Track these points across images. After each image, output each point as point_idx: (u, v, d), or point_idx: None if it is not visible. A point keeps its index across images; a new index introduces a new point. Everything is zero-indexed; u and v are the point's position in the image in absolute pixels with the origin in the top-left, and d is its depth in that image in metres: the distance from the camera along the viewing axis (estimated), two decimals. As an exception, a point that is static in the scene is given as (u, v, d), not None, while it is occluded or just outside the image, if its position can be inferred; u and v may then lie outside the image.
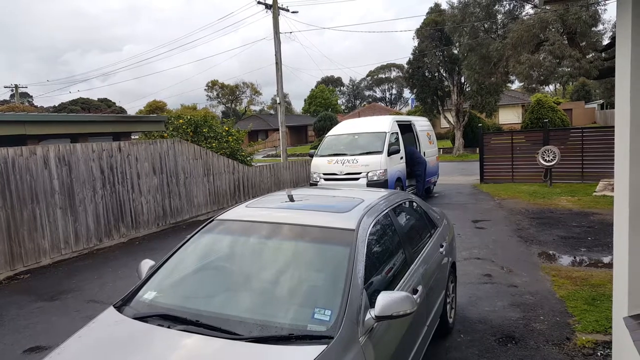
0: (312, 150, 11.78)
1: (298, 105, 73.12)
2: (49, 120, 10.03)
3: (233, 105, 64.47)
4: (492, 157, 14.51)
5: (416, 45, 26.69)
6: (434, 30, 24.93)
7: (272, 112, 63.36)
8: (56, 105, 49.44)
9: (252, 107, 65.82)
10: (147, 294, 2.65)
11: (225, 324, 2.24)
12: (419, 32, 26.04)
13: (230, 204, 11.69)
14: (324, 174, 10.54)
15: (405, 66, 29.53)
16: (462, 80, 26.09)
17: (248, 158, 15.14)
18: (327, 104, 60.17)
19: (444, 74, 26.79)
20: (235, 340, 2.14)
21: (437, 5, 26.09)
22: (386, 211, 3.26)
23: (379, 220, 3.05)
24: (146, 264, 2.98)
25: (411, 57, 27.21)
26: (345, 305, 2.26)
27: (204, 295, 2.69)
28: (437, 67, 26.18)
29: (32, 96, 52.31)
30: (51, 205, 7.32)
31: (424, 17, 26.34)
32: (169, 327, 2.28)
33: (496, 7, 18.14)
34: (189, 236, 3.14)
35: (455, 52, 24.90)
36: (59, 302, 5.53)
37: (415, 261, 3.28)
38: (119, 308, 2.56)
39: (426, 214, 4.17)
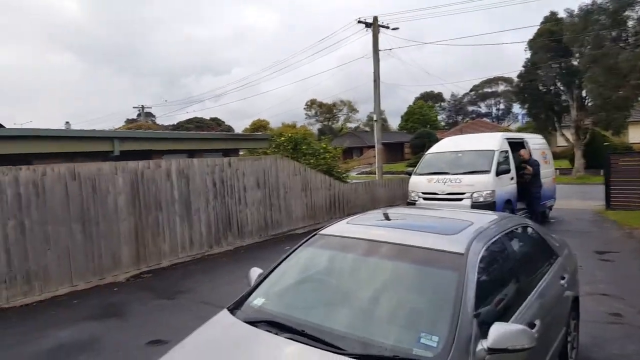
0: (410, 168, 11.51)
1: (394, 122, 72.45)
2: (170, 137, 11.29)
3: (330, 123, 66.18)
4: (621, 181, 12.73)
5: (528, 57, 24.94)
6: (550, 41, 23.06)
7: (367, 129, 63.62)
8: (174, 123, 55.40)
9: (348, 125, 66.87)
10: (256, 300, 2.80)
11: (329, 337, 2.27)
12: (532, 43, 24.34)
13: (326, 219, 11.90)
14: (423, 193, 10.21)
15: (515, 79, 27.69)
16: (583, 94, 23.66)
17: (343, 175, 15.37)
18: (426, 120, 58.69)
19: (561, 88, 24.57)
20: (338, 354, 2.14)
21: (553, 14, 24.20)
22: (498, 236, 3.03)
23: (490, 246, 2.85)
24: (255, 272, 3.14)
25: (522, 69, 25.49)
26: (454, 332, 2.14)
27: (308, 307, 2.75)
28: (553, 80, 24.10)
29: (154, 115, 59.20)
30: (171, 213, 8.15)
31: (538, 27, 24.58)
32: (276, 334, 2.37)
33: (626, 12, 16.21)
34: (293, 248, 3.25)
35: (575, 63, 22.73)
36: (176, 301, 6.09)
37: (532, 293, 3.00)
38: (232, 311, 2.74)
39: (544, 242, 3.79)
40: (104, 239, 7.07)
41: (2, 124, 12.86)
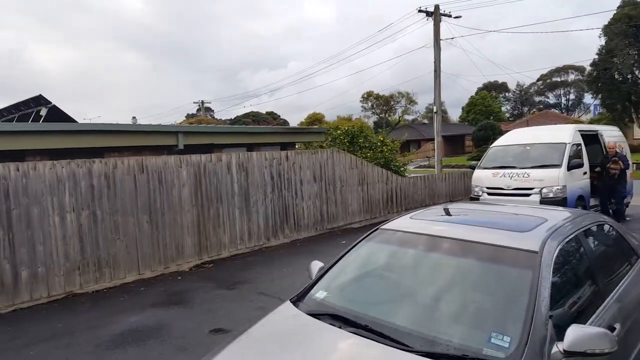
0: (473, 162, 11.08)
1: (454, 114, 70.13)
2: (230, 131, 11.63)
3: (386, 115, 65.23)
4: None
5: (603, 44, 23.24)
6: (628, 26, 21.24)
7: (425, 121, 62.04)
8: (232, 118, 57.17)
9: (406, 117, 65.54)
10: (319, 293, 2.82)
11: (394, 333, 2.24)
12: (607, 30, 22.57)
13: (383, 214, 11.76)
14: (488, 188, 9.79)
15: (588, 68, 25.94)
16: (665, 82, 21.64)
17: (402, 168, 15.08)
18: (489, 111, 56.10)
19: None
20: (404, 351, 2.11)
21: (631, -5, 22.24)
22: (574, 234, 2.84)
23: (565, 244, 2.68)
24: (316, 265, 3.16)
25: (596, 57, 23.79)
26: (527, 333, 2.04)
27: (370, 302, 2.73)
28: (631, 68, 22.26)
29: (213, 110, 61.39)
30: (231, 205, 8.42)
31: (614, 12, 22.70)
32: (340, 327, 2.37)
33: None
34: (354, 242, 3.23)
35: (657, 48, 20.83)
36: (236, 291, 6.29)
37: (611, 295, 2.80)
38: (295, 303, 2.77)
39: (625, 241, 3.51)
40: (169, 230, 7.44)
41: (75, 119, 13.93)
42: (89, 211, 6.52)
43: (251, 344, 2.46)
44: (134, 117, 31.19)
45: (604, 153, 10.16)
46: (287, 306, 2.76)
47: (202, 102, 46.84)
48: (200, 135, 10.32)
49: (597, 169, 10.08)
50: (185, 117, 56.84)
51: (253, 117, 55.43)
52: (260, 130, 12.46)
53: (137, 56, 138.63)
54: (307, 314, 2.58)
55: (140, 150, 8.84)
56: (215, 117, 55.18)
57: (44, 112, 11.62)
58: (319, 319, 2.50)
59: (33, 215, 6.01)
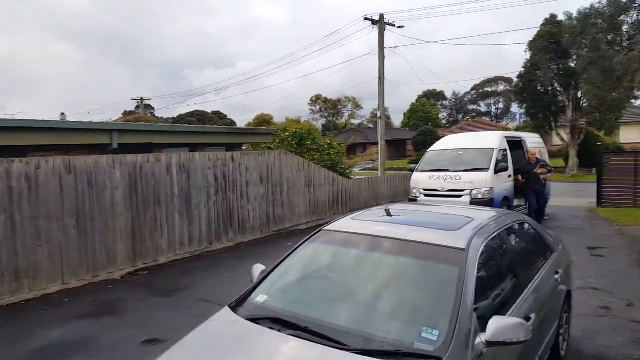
0: (412, 165, 11.60)
1: (397, 119, 72.45)
2: (171, 130, 11.22)
3: (334, 119, 66.08)
4: (612, 179, 13.02)
5: (528, 58, 25.11)
6: (549, 43, 23.19)
7: (370, 125, 63.55)
8: (175, 116, 54.91)
9: (352, 121, 66.79)
10: (259, 297, 2.80)
11: (332, 332, 2.29)
12: (532, 45, 24.47)
13: (329, 215, 11.93)
14: (425, 190, 10.29)
15: (515, 80, 27.83)
16: (579, 96, 23.88)
17: (347, 171, 15.39)
18: (428, 118, 58.80)
19: (559, 89, 24.78)
20: (341, 350, 2.17)
21: (553, 16, 24.34)
22: (498, 232, 3.08)
23: (489, 241, 2.89)
24: (257, 269, 3.15)
25: (522, 70, 25.63)
26: (454, 326, 2.18)
27: (311, 303, 2.78)
28: (551, 81, 24.26)
29: (154, 108, 58.65)
30: (170, 208, 8.12)
31: (538, 29, 24.70)
32: (279, 331, 2.39)
33: (622, 17, 16.42)
34: (297, 244, 3.27)
35: (573, 65, 22.95)
36: (174, 299, 6.05)
37: (528, 287, 3.07)
38: (234, 308, 2.73)
39: (541, 238, 3.86)
40: (99, 235, 6.96)
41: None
42: (6, 216, 5.90)
43: (185, 353, 2.38)
44: (62, 114, 29.06)
45: (526, 159, 10.72)
46: (226, 312, 2.71)
47: (142, 99, 44.19)
48: (138, 134, 9.85)
49: (520, 178, 10.44)
50: (123, 114, 53.82)
51: (198, 117, 53.60)
52: (204, 130, 12.15)
53: (69, 48, 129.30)
54: (246, 319, 2.55)
55: (69, 149, 8.25)
56: (157, 115, 52.75)
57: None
58: (258, 323, 2.49)
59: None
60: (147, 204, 7.71)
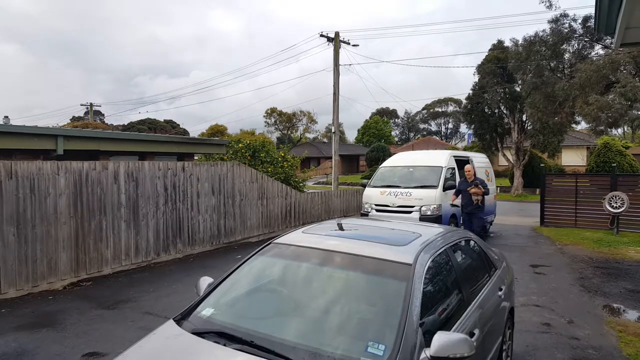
0: (365, 180, 11.80)
1: (351, 135, 73.90)
2: (120, 138, 10.80)
3: (289, 132, 66.22)
4: (554, 200, 13.77)
5: (476, 80, 26.39)
6: (496, 67, 24.56)
7: (325, 140, 64.27)
8: (125, 124, 53.08)
9: (307, 135, 67.25)
10: (205, 310, 2.74)
11: (279, 347, 2.27)
12: (480, 68, 25.77)
13: (281, 228, 11.86)
14: (376, 205, 10.48)
15: (464, 101, 29.15)
16: (524, 118, 25.34)
17: (301, 184, 15.41)
18: (381, 135, 60.26)
19: (505, 111, 26.16)
20: None
21: (500, 42, 25.75)
22: (444, 248, 3.18)
23: (436, 257, 2.98)
24: (205, 281, 3.08)
25: (471, 92, 26.86)
26: (400, 341, 2.22)
27: (258, 317, 2.74)
28: (498, 103, 25.60)
29: (104, 114, 56.54)
30: (117, 218, 7.79)
31: (486, 54, 26.10)
32: (224, 345, 2.33)
33: (564, 46, 17.66)
34: (246, 257, 3.22)
35: (518, 89, 24.35)
36: (117, 311, 5.80)
37: (473, 303, 3.16)
38: (178, 322, 2.65)
39: (485, 254, 4.01)
40: (40, 244, 6.63)
41: None
42: (-64, 222, 5.54)
43: None
44: (6, 117, 27.28)
45: (463, 178, 9.71)
46: (170, 325, 2.63)
47: (91, 105, 42.71)
48: (85, 140, 9.43)
49: (453, 197, 9.57)
50: (70, 120, 51.49)
51: (149, 125, 52.01)
52: (155, 139, 11.77)
53: (15, 49, 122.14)
54: (191, 333, 2.49)
55: (11, 153, 7.80)
56: (106, 122, 50.91)
57: None
58: (203, 337, 2.43)
59: None
60: (92, 213, 7.36)
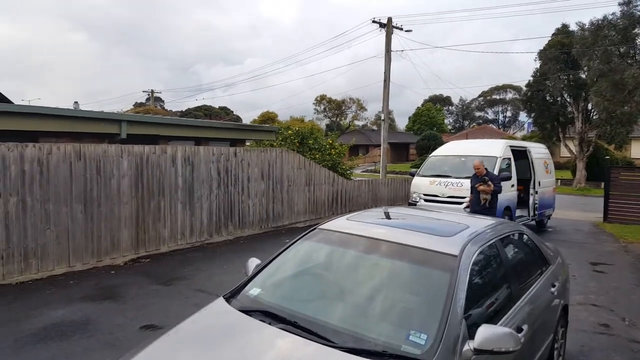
0: (414, 170, 11.57)
1: (401, 123, 72.60)
2: (178, 124, 11.27)
3: (338, 120, 66.15)
4: (620, 195, 12.87)
5: (538, 67, 25.01)
6: (560, 53, 23.07)
7: (374, 127, 63.57)
8: (183, 110, 55.44)
9: (356, 122, 66.83)
10: (252, 290, 2.86)
11: (322, 330, 2.33)
12: (542, 54, 24.37)
13: (327, 214, 11.97)
14: (425, 195, 10.28)
15: (524, 88, 27.72)
16: (589, 107, 23.75)
17: (348, 171, 15.41)
18: (433, 122, 58.70)
19: (568, 99, 24.66)
20: (329, 347, 2.20)
21: (564, 26, 24.18)
22: (493, 241, 3.10)
23: (484, 250, 2.91)
24: (253, 262, 3.21)
25: (531, 79, 25.54)
26: (442, 331, 2.21)
27: (302, 299, 2.82)
28: (561, 91, 24.13)
29: (163, 101, 59.23)
30: (174, 199, 8.21)
31: (549, 39, 24.62)
32: (269, 324, 2.43)
33: (635, 30, 16.23)
34: (292, 241, 3.31)
35: (583, 76, 22.80)
36: (172, 287, 6.16)
37: (522, 298, 3.07)
38: (228, 299, 2.80)
39: (538, 249, 3.86)
40: (105, 222, 7.14)
41: (11, 99, 12.93)
42: (18, 198, 6.11)
43: (179, 339, 2.46)
44: (76, 102, 29.44)
45: (473, 173, 8.50)
46: (220, 302, 2.78)
47: (152, 92, 45.16)
48: (146, 126, 9.94)
49: (467, 198, 8.67)
50: (133, 105, 54.48)
51: (205, 111, 54.04)
52: (210, 125, 12.19)
53: (85, 37, 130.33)
54: (239, 311, 2.62)
55: (80, 137, 8.38)
56: (166, 108, 53.37)
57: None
58: (250, 315, 2.55)
59: (-49, 200, 5.55)
60: (151, 194, 7.81)
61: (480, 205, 8.13)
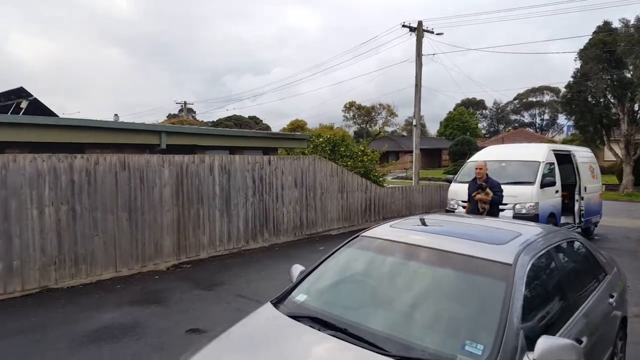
0: (449, 176, 11.32)
1: (432, 128, 71.45)
2: (213, 134, 11.52)
3: (367, 126, 65.85)
4: (673, 200, 12.14)
5: (578, 67, 24.02)
6: (602, 52, 22.13)
7: (404, 133, 62.90)
8: (214, 120, 56.79)
9: (386, 128, 66.29)
10: (299, 296, 2.87)
11: (371, 337, 2.30)
12: (583, 54, 23.44)
13: (361, 222, 11.89)
14: (463, 202, 10.03)
15: (563, 90, 26.78)
16: (635, 108, 22.60)
17: (380, 178, 15.28)
18: (466, 127, 57.45)
19: (612, 100, 23.55)
20: (381, 354, 2.17)
21: (606, 23, 23.20)
22: (547, 249, 2.98)
23: (538, 258, 2.80)
24: (297, 269, 3.22)
25: (571, 80, 24.55)
26: (500, 342, 2.13)
27: (348, 306, 2.80)
28: (604, 92, 23.10)
29: (195, 111, 60.81)
30: (212, 207, 8.38)
31: (590, 37, 23.66)
32: (319, 330, 2.43)
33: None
34: (335, 248, 3.30)
35: (628, 75, 21.76)
36: (213, 292, 6.27)
37: (580, 309, 2.93)
38: (275, 305, 2.82)
39: (594, 258, 3.68)
40: (148, 229, 7.38)
41: (55, 113, 13.59)
42: (68, 206, 6.43)
43: (231, 343, 2.50)
44: (116, 115, 30.65)
45: (473, 178, 7.77)
46: (268, 307, 2.80)
47: (185, 103, 46.69)
48: (184, 136, 10.22)
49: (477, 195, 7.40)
50: (167, 117, 56.28)
51: (235, 121, 55.19)
52: (243, 134, 12.41)
53: (119, 52, 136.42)
54: (288, 316, 2.63)
55: (122, 147, 8.71)
56: (197, 118, 54.79)
57: (24, 104, 11.32)
58: (299, 321, 2.55)
59: (11, 208, 5.89)
60: (191, 202, 8.00)
61: (477, 214, 7.22)
